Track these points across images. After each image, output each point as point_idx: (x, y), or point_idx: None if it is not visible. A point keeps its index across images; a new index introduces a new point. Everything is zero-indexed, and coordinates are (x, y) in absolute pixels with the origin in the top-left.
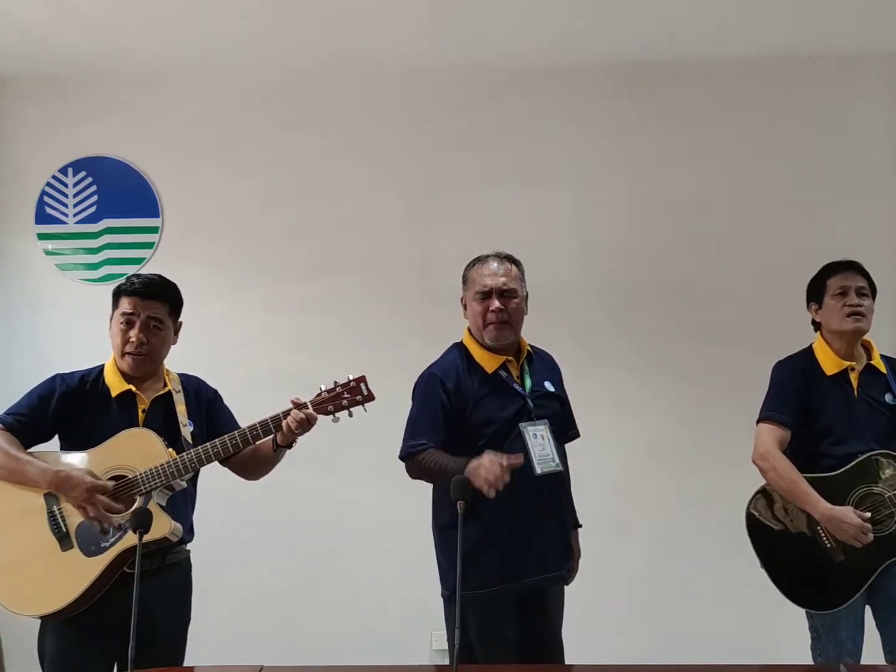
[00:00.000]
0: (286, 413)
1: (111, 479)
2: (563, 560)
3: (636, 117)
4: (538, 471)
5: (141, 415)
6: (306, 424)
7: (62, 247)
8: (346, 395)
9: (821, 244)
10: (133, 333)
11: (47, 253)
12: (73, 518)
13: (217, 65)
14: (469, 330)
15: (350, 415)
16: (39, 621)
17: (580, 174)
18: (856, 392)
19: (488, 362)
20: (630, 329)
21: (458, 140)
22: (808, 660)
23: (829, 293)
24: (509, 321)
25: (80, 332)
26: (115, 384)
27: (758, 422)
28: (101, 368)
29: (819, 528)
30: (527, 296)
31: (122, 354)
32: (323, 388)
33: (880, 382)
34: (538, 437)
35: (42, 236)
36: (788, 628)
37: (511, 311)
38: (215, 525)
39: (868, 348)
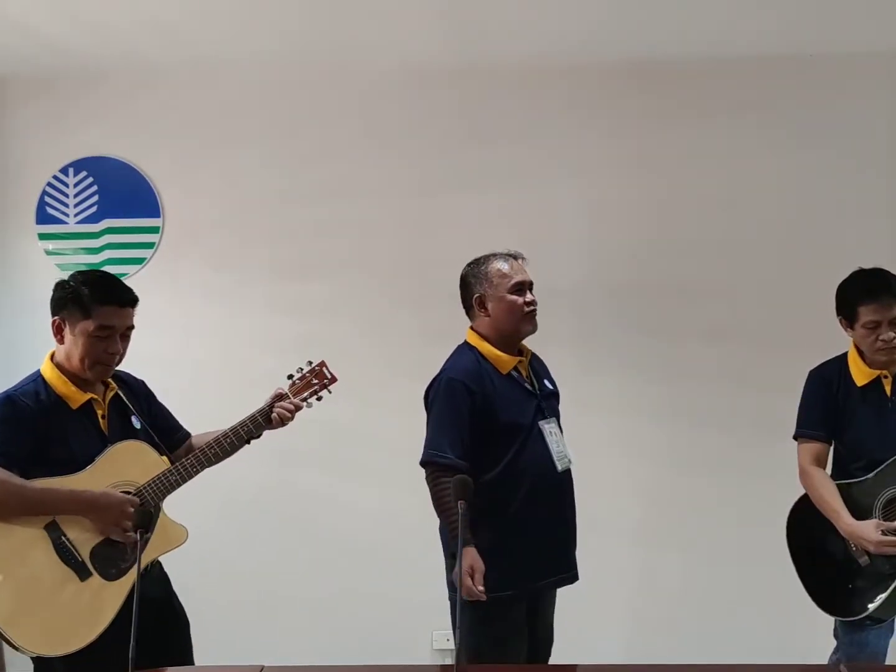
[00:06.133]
0: (271, 406)
1: None
2: (574, 558)
3: (636, 117)
4: (559, 468)
5: (102, 422)
6: (294, 413)
7: (63, 247)
8: (315, 381)
9: (822, 244)
10: (111, 345)
11: (48, 253)
12: (84, 545)
13: (217, 64)
14: (475, 330)
15: (319, 399)
16: None
17: (580, 174)
18: (889, 401)
19: (503, 363)
20: (632, 330)
21: (458, 140)
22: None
23: (861, 321)
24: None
25: None
26: (73, 395)
27: (795, 437)
28: (41, 379)
29: None
30: None
31: (93, 364)
32: (295, 375)
33: None
34: (553, 435)
35: (43, 236)
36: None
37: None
38: (215, 525)
39: None
